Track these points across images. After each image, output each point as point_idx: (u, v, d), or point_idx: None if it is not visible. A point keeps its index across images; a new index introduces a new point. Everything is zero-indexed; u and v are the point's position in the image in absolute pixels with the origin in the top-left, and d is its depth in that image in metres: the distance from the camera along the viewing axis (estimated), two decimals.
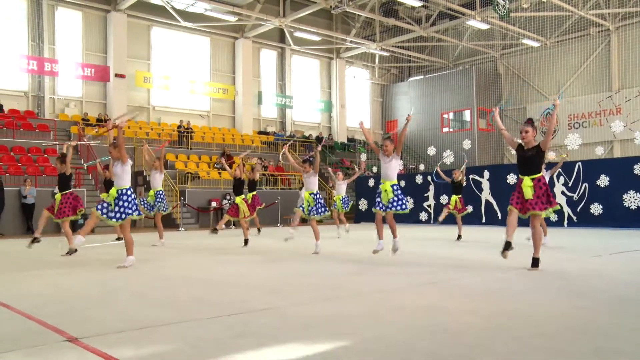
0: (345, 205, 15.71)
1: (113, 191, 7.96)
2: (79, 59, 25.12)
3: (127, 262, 8.01)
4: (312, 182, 10.20)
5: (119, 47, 25.58)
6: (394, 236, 8.63)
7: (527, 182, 6.99)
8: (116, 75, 25.44)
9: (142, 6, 25.85)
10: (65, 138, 22.97)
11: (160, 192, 12.88)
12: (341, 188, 15.53)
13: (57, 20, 24.74)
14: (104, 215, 7.83)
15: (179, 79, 28.01)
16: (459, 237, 13.04)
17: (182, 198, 21.63)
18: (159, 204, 12.79)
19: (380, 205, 8.52)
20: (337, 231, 15.57)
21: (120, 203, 7.88)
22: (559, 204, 7.14)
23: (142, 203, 12.88)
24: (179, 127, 26.13)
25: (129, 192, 7.99)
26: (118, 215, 7.85)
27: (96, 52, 25.61)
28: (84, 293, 5.90)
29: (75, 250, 10.18)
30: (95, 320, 4.50)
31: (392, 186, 8.46)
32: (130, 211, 7.90)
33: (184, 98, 28.44)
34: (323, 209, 10.05)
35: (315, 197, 10.07)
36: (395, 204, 8.39)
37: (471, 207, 15.02)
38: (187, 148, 25.63)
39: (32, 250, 10.48)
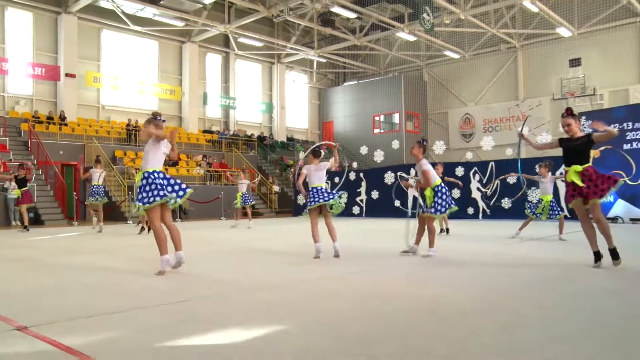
0: (248, 201, 16.33)
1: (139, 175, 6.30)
2: (30, 59, 24.03)
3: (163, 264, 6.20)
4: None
5: (70, 48, 24.62)
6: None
7: (576, 168, 6.16)
8: (67, 74, 24.48)
9: (93, 9, 25.01)
10: (16, 134, 22.06)
11: (97, 186, 14.30)
12: (242, 186, 16.41)
13: (6, 20, 23.58)
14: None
15: (127, 79, 27.24)
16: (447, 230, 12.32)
17: (130, 193, 21.09)
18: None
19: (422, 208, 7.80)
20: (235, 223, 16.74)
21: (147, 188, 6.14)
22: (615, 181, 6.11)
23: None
24: (128, 125, 25.45)
25: (152, 177, 6.14)
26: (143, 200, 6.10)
27: (47, 52, 24.58)
28: (34, 284, 5.70)
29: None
30: (47, 309, 4.36)
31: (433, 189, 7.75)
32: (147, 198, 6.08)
33: (133, 98, 27.68)
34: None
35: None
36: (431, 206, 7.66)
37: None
38: (136, 145, 24.97)
39: None
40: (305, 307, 4.37)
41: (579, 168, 6.14)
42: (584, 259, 7.25)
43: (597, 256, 6.30)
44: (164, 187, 6.13)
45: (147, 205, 6.05)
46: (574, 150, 6.23)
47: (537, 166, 12.55)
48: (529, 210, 10.93)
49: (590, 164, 6.20)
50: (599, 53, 27.38)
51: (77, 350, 3.15)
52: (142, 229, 13.23)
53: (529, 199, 12.53)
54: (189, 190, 6.28)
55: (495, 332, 3.47)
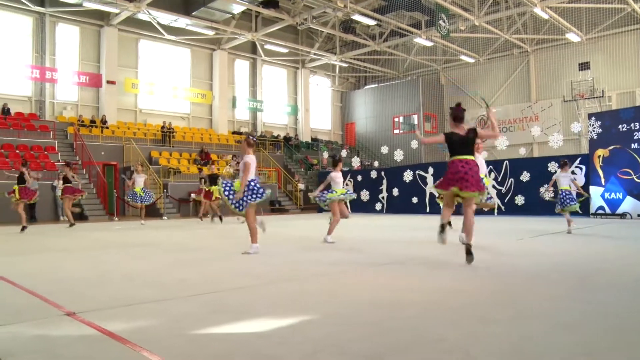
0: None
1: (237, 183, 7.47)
2: (76, 68, 24.59)
3: (252, 249, 7.49)
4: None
5: (111, 57, 25.12)
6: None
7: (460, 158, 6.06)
8: (108, 82, 24.97)
9: (132, 22, 25.40)
10: (63, 137, 22.57)
11: (144, 189, 15.73)
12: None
13: (57, 34, 24.25)
14: (232, 206, 7.33)
15: (162, 85, 27.61)
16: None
17: (165, 190, 21.41)
18: (145, 196, 15.64)
19: None
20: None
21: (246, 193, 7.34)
22: (487, 193, 6.31)
23: (129, 195, 15.84)
24: (163, 127, 25.81)
25: (251, 184, 7.40)
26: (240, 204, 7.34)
27: (90, 62, 25.11)
28: (80, 274, 5.85)
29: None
30: (90, 297, 4.49)
31: None
32: (250, 200, 7.33)
33: (167, 102, 28.05)
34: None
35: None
36: None
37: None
38: (170, 146, 25.32)
39: (35, 235, 10.28)
40: (327, 298, 4.41)
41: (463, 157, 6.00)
42: (593, 253, 7.19)
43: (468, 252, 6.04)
44: (261, 190, 7.49)
45: (253, 202, 7.37)
46: (460, 141, 6.08)
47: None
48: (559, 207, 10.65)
49: (473, 157, 6.09)
50: (606, 57, 27.01)
51: (118, 335, 3.25)
52: (216, 217, 16.18)
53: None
54: (265, 194, 7.55)
55: (504, 322, 3.48)
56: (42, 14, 23.57)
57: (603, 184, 15.92)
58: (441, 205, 9.50)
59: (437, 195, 13.01)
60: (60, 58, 24.27)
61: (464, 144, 6.06)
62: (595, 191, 16.05)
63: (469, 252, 6.00)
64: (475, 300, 4.18)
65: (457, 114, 6.25)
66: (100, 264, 6.77)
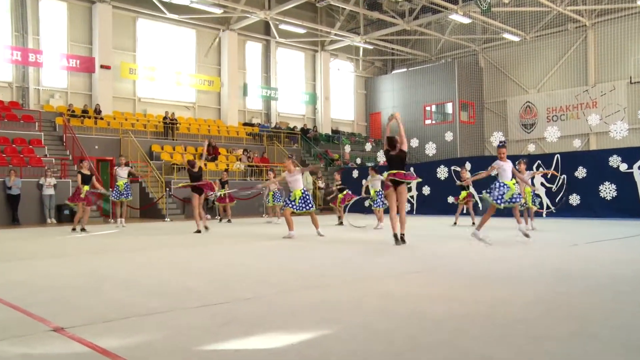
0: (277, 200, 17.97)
1: (298, 192, 11.51)
2: (64, 50, 24.80)
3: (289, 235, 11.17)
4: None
5: (105, 38, 25.33)
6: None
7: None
8: (101, 66, 25.19)
9: None
10: (51, 129, 22.79)
11: (126, 183, 16.23)
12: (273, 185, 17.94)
13: (41, 11, 24.39)
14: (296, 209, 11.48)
15: (164, 70, 27.79)
16: (473, 223, 14.06)
17: (167, 189, 21.51)
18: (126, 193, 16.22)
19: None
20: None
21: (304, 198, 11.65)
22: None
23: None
24: (165, 118, 25.96)
25: (305, 192, 11.71)
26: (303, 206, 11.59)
27: (81, 43, 25.32)
28: (73, 282, 5.87)
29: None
30: (83, 309, 4.48)
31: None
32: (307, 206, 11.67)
33: (170, 90, 28.25)
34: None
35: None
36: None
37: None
38: (173, 139, 25.47)
39: (20, 240, 10.37)
40: (352, 308, 4.36)
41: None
42: None
43: (396, 238, 9.07)
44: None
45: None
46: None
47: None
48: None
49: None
50: None
51: (114, 352, 3.23)
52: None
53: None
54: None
55: (560, 339, 3.38)
56: None
57: None
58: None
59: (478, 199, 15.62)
60: (45, 39, 24.40)
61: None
62: None
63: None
64: (525, 314, 4.09)
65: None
66: (94, 270, 6.80)
